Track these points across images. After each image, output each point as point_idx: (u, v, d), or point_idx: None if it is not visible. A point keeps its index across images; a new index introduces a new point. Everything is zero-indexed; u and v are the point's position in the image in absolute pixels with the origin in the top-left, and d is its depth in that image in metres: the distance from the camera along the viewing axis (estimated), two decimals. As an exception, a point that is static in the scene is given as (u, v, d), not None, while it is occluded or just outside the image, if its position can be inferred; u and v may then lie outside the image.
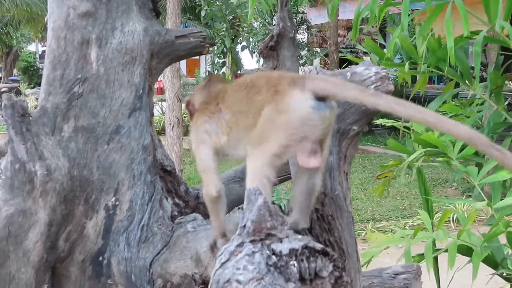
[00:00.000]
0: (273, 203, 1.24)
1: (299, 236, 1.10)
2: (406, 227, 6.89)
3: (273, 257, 1.02)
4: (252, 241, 1.06)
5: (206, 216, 2.25)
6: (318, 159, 1.38)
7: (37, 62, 25.24)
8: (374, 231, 6.90)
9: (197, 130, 1.68)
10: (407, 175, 3.62)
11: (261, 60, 2.92)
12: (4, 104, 2.01)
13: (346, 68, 1.60)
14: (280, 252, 1.04)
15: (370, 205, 7.85)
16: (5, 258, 1.92)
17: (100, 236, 2.08)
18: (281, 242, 1.06)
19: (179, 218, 2.15)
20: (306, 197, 1.46)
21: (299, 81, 1.39)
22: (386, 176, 3.43)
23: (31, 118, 2.02)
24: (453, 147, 2.50)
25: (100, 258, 2.07)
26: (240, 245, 1.06)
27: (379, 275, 2.15)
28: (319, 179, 1.46)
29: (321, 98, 1.36)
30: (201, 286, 1.88)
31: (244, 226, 1.09)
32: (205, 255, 1.81)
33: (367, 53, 3.13)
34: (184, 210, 2.27)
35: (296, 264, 1.02)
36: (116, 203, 2.09)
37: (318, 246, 1.06)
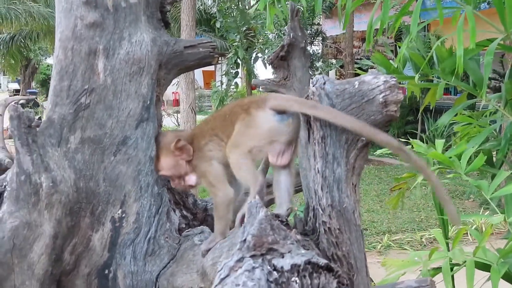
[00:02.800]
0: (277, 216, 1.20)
1: (303, 251, 1.05)
2: (423, 239, 6.79)
3: (274, 273, 0.98)
4: (252, 256, 1.02)
5: (213, 229, 2.21)
6: (285, 158, 1.73)
7: (55, 75, 25.51)
8: (390, 244, 6.80)
9: (203, 154, 1.92)
10: (423, 187, 3.54)
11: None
12: (11, 115, 2.00)
13: (355, 77, 1.56)
14: (282, 267, 0.99)
15: (386, 217, 7.76)
16: (9, 271, 1.90)
17: (106, 249, 2.05)
18: (283, 257, 1.02)
19: (187, 230, 2.11)
20: (284, 190, 1.76)
21: (262, 103, 1.75)
22: (401, 188, 3.37)
23: (37, 129, 2.01)
24: (460, 162, 2.43)
25: (106, 271, 2.04)
26: (240, 260, 1.02)
27: (392, 290, 2.08)
28: (292, 172, 1.77)
29: (281, 112, 1.71)
30: (207, 300, 1.84)
31: (245, 240, 1.05)
32: (210, 270, 1.77)
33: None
34: (192, 223, 2.23)
35: (298, 281, 0.98)
36: (123, 216, 2.07)
37: (322, 261, 1.02)
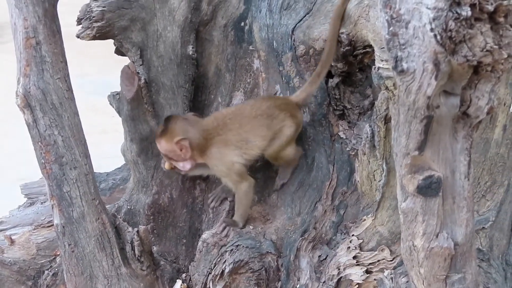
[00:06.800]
0: None
1: None
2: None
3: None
4: None
5: None
6: None
7: None
8: None
9: (225, 159, 1.98)
10: None
11: None
12: None
13: None
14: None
15: None
16: (152, 16, 1.95)
17: (242, 1, 2.05)
18: None
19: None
20: None
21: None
22: None
23: None
24: None
25: (242, 24, 2.05)
26: None
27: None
28: None
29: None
30: (346, 47, 1.82)
31: None
32: (354, 9, 1.71)
33: None
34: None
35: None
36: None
37: None
